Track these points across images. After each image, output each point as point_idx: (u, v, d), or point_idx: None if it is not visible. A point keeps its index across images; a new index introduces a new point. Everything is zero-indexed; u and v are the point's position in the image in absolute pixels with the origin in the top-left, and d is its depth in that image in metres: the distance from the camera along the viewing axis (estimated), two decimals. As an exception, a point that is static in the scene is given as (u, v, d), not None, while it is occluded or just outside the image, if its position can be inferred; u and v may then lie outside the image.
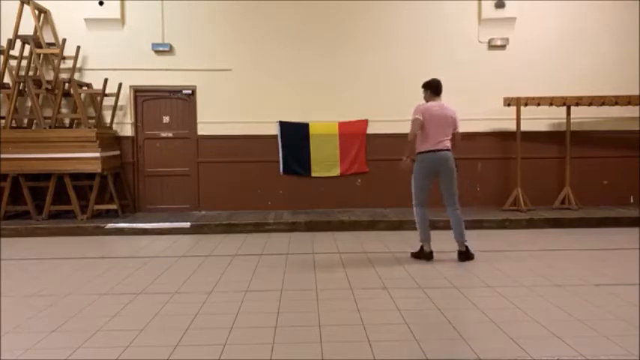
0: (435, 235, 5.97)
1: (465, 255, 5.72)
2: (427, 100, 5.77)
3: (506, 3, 8.87)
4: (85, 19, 8.76)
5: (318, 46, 8.97)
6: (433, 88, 5.75)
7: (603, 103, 8.48)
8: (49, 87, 8.33)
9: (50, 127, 8.24)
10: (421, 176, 5.72)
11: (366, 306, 4.24)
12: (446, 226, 7.74)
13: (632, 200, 9.10)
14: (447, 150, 5.64)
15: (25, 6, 8.43)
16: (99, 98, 8.66)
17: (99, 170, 8.09)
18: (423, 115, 5.58)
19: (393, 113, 8.93)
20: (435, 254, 5.82)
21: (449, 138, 5.68)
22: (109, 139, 8.56)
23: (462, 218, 5.76)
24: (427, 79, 8.79)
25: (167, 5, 8.83)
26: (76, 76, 8.70)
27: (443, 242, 6.05)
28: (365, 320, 3.90)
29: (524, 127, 8.63)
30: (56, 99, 8.36)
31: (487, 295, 4.52)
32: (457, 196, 5.79)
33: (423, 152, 5.64)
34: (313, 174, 9.03)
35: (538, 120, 8.87)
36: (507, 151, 8.98)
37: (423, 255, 5.78)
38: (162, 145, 9.10)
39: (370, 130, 9.00)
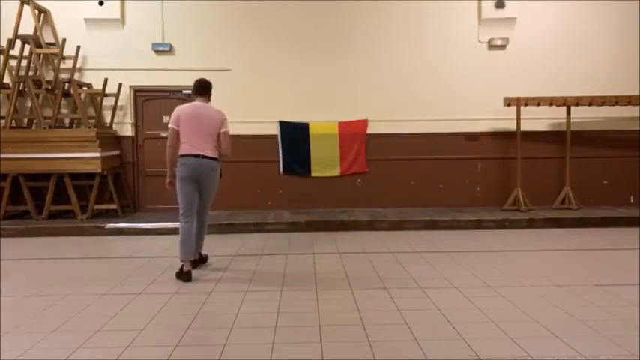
0: (433, 234, 5.97)
1: (198, 263, 5.54)
2: (193, 100, 5.33)
3: (506, 3, 8.87)
4: (85, 19, 8.76)
5: (319, 46, 8.98)
6: (195, 88, 5.31)
7: (603, 103, 8.48)
8: (49, 87, 8.33)
9: (50, 127, 8.24)
10: (181, 181, 5.12)
11: (366, 306, 4.24)
12: (448, 226, 7.78)
13: (632, 200, 9.11)
14: (211, 158, 5.11)
15: (25, 6, 8.43)
16: (99, 98, 8.66)
17: (99, 170, 8.09)
18: (178, 119, 5.09)
19: (393, 113, 8.95)
20: (426, 254, 5.79)
21: (213, 142, 5.14)
22: (109, 139, 8.55)
23: (206, 227, 5.55)
24: (426, 78, 8.98)
25: (167, 5, 8.83)
26: (76, 76, 8.70)
27: (441, 241, 6.05)
28: (365, 320, 3.90)
29: (524, 127, 8.64)
30: (56, 99, 8.36)
31: (487, 295, 4.52)
32: (209, 206, 5.49)
33: (182, 156, 5.09)
34: (313, 174, 9.03)
35: (538, 120, 8.87)
36: (507, 151, 8.99)
37: (182, 275, 5.13)
38: (162, 145, 8.99)
39: (370, 130, 9.00)
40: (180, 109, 5.18)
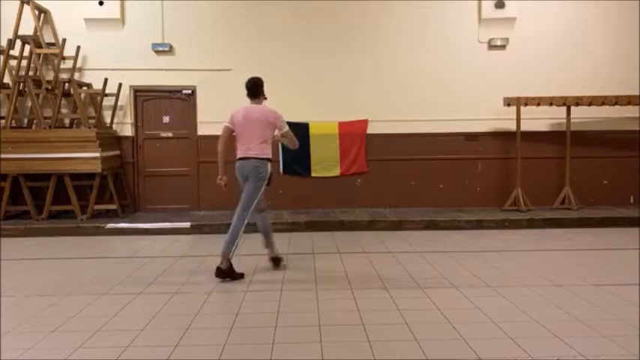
0: (433, 234, 5.96)
1: (225, 272, 5.02)
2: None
3: (506, 3, 8.86)
4: (85, 19, 8.76)
5: (319, 46, 8.97)
6: (248, 91, 5.31)
7: (603, 103, 8.48)
8: (49, 87, 8.33)
9: (50, 127, 8.24)
10: (240, 184, 5.25)
11: (366, 306, 4.24)
12: (448, 226, 7.78)
13: (632, 200, 9.10)
14: (258, 158, 5.12)
15: (25, 6, 8.42)
16: (99, 98, 8.66)
17: (99, 170, 8.08)
18: (232, 120, 5.20)
19: (393, 113, 8.95)
20: (426, 254, 5.77)
21: (263, 142, 5.16)
22: (109, 139, 8.55)
23: (239, 232, 5.10)
24: (426, 78, 8.97)
25: (167, 5, 8.83)
26: (76, 76, 8.70)
27: (433, 241, 6.06)
28: (365, 320, 3.90)
29: (524, 127, 8.64)
30: (56, 99, 8.36)
31: (487, 295, 4.52)
32: (248, 207, 5.13)
33: (236, 159, 5.22)
34: (313, 174, 9.03)
35: (538, 120, 8.87)
36: (507, 151, 8.99)
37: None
38: (162, 145, 9.09)
39: (370, 130, 9.00)
40: (235, 112, 5.26)
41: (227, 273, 5.06)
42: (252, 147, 5.14)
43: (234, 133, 5.26)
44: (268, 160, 5.20)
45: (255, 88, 5.30)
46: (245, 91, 5.39)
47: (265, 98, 5.41)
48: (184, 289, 4.83)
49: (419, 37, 9.02)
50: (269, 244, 5.51)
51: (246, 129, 5.16)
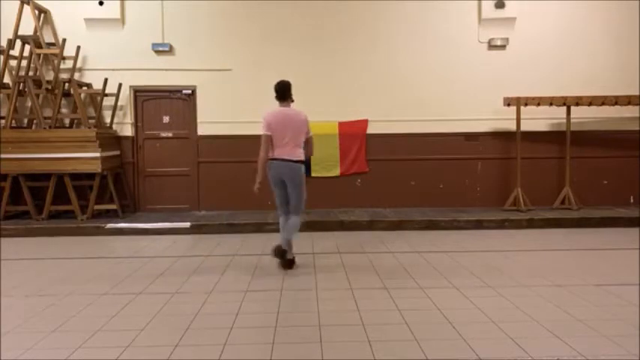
0: (433, 234, 5.96)
1: (282, 253, 5.39)
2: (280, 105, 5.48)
3: (506, 3, 8.87)
4: (85, 19, 8.76)
5: (318, 45, 8.98)
6: (277, 94, 5.44)
7: (603, 103, 8.48)
8: (49, 87, 8.33)
9: (50, 127, 8.24)
10: (272, 184, 5.44)
11: (366, 306, 4.24)
12: (448, 226, 7.79)
13: (632, 200, 9.11)
14: (294, 161, 5.30)
15: (25, 6, 8.43)
16: (99, 98, 8.66)
17: (99, 170, 8.09)
18: (269, 125, 5.31)
19: (393, 113, 8.95)
20: (426, 254, 5.79)
21: (297, 145, 5.34)
22: (109, 139, 8.55)
23: (295, 227, 5.47)
24: (427, 78, 8.97)
25: (167, 5, 8.83)
26: (76, 76, 8.70)
27: (433, 242, 6.06)
28: (365, 320, 3.90)
29: (524, 127, 8.64)
30: (56, 99, 8.36)
31: (487, 295, 4.52)
32: (300, 207, 5.50)
33: (270, 160, 5.36)
34: (313, 174, 9.01)
35: (538, 120, 8.87)
36: (507, 151, 8.99)
37: (275, 250, 5.51)
38: (162, 145, 9.09)
39: (370, 130, 9.00)
40: (270, 116, 5.36)
41: (283, 253, 5.36)
42: (288, 150, 5.30)
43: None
44: (302, 162, 5.37)
45: (283, 92, 5.43)
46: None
47: (292, 101, 5.52)
48: (184, 289, 4.83)
49: (419, 37, 9.02)
50: (288, 245, 5.59)
51: (281, 132, 5.29)
